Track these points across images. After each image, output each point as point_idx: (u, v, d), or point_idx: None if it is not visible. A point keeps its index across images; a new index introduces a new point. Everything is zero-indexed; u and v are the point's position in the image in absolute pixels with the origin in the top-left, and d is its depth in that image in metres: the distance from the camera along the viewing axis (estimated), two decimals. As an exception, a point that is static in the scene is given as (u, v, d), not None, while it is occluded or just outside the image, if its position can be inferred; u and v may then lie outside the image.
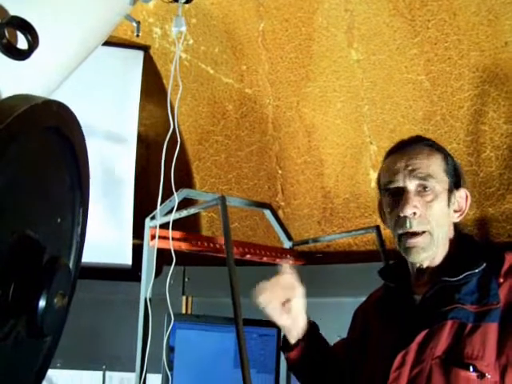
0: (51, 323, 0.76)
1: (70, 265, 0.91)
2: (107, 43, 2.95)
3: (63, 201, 0.86)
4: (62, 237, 0.89)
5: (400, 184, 1.33)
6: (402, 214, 1.30)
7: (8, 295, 0.71)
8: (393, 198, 1.35)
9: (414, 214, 1.30)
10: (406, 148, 1.38)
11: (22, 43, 0.86)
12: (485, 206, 2.68)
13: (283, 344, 1.56)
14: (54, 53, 1.02)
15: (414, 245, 1.31)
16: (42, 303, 0.72)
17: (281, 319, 1.49)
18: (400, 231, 1.32)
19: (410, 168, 1.33)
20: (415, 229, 1.30)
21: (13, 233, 0.71)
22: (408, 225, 1.30)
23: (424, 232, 1.31)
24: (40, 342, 0.84)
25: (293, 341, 1.52)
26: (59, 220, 0.85)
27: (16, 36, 0.87)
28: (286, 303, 1.47)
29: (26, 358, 0.82)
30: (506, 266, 1.27)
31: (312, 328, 1.54)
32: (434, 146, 1.39)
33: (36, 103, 0.69)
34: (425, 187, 1.32)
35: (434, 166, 1.34)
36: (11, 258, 0.71)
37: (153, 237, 2.19)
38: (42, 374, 0.86)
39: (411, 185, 1.32)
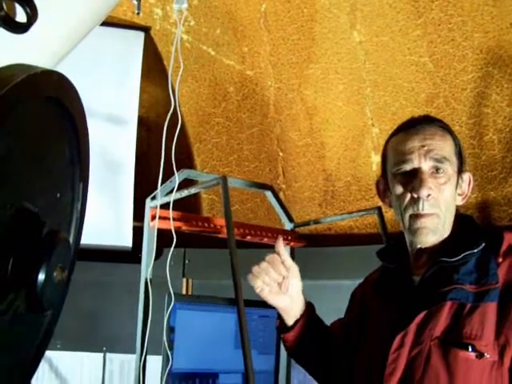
0: (51, 297, 0.75)
1: (70, 241, 0.90)
2: (107, 24, 2.95)
3: (63, 175, 0.85)
4: (62, 212, 0.87)
5: (415, 165, 1.30)
6: (416, 195, 1.28)
7: (7, 269, 0.70)
8: (405, 177, 1.32)
9: (428, 195, 1.28)
10: (418, 127, 1.34)
11: (20, 16, 0.84)
12: (487, 190, 2.67)
13: (280, 325, 1.55)
14: (53, 27, 1.01)
15: (423, 226, 1.29)
16: (41, 276, 0.71)
17: (279, 301, 1.47)
18: (411, 212, 1.30)
19: (425, 148, 1.30)
20: (426, 211, 1.28)
21: (11, 205, 0.70)
22: (421, 206, 1.28)
23: (433, 214, 1.29)
24: (40, 316, 0.83)
25: (290, 322, 1.50)
26: (59, 194, 0.84)
27: (14, 9, 0.85)
28: (282, 284, 1.45)
29: (26, 333, 0.81)
30: (504, 246, 1.26)
31: (309, 308, 1.53)
32: (444, 128, 1.37)
33: (35, 72, 0.68)
34: (438, 169, 1.30)
35: (448, 147, 1.33)
36: (9, 230, 0.70)
37: (153, 217, 2.19)
38: (42, 349, 0.85)
39: (426, 166, 1.29)
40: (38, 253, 0.72)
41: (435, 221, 1.29)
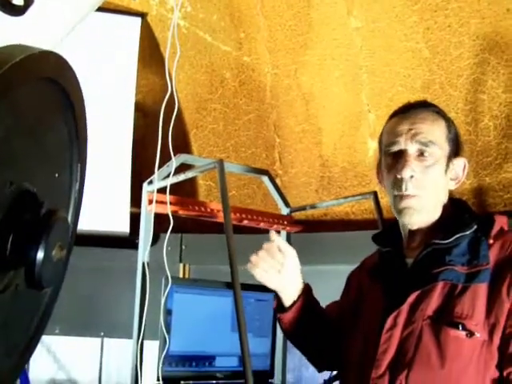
0: (50, 275, 0.76)
1: (69, 220, 0.91)
2: (104, 9, 2.94)
3: (61, 155, 0.86)
4: (60, 192, 0.88)
5: (401, 146, 1.34)
6: (399, 176, 1.31)
7: (6, 247, 0.71)
8: (392, 159, 1.36)
9: (411, 177, 1.31)
10: (411, 111, 1.37)
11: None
12: (482, 176, 2.69)
13: (278, 306, 1.57)
14: (50, 10, 1.01)
15: (407, 205, 1.32)
16: (40, 255, 0.72)
17: (277, 282, 1.50)
18: (395, 193, 1.34)
19: (412, 132, 1.33)
20: (410, 192, 1.31)
21: (10, 184, 0.71)
22: (404, 187, 1.31)
23: (416, 195, 1.32)
24: (39, 294, 0.84)
25: (288, 303, 1.53)
26: (57, 175, 0.85)
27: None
28: (281, 268, 1.48)
29: (25, 311, 0.82)
30: (496, 228, 1.29)
31: (306, 289, 1.55)
32: (439, 113, 1.39)
33: (33, 53, 0.68)
34: (424, 152, 1.33)
35: (437, 132, 1.35)
36: (9, 209, 0.71)
37: (150, 202, 2.19)
38: (41, 327, 0.87)
39: (412, 148, 1.33)
40: (37, 231, 0.73)
41: (419, 201, 1.32)
